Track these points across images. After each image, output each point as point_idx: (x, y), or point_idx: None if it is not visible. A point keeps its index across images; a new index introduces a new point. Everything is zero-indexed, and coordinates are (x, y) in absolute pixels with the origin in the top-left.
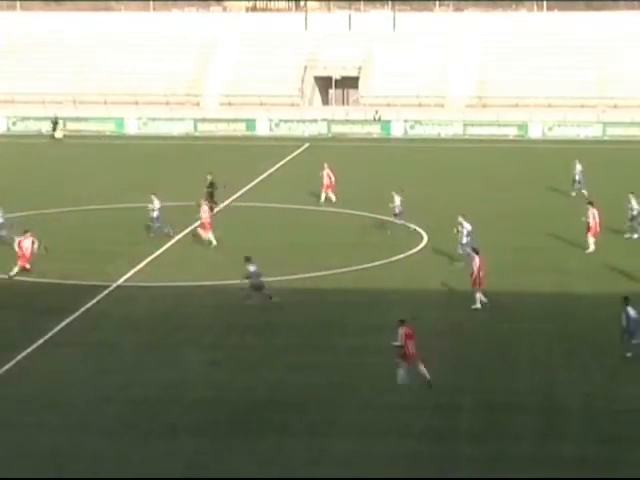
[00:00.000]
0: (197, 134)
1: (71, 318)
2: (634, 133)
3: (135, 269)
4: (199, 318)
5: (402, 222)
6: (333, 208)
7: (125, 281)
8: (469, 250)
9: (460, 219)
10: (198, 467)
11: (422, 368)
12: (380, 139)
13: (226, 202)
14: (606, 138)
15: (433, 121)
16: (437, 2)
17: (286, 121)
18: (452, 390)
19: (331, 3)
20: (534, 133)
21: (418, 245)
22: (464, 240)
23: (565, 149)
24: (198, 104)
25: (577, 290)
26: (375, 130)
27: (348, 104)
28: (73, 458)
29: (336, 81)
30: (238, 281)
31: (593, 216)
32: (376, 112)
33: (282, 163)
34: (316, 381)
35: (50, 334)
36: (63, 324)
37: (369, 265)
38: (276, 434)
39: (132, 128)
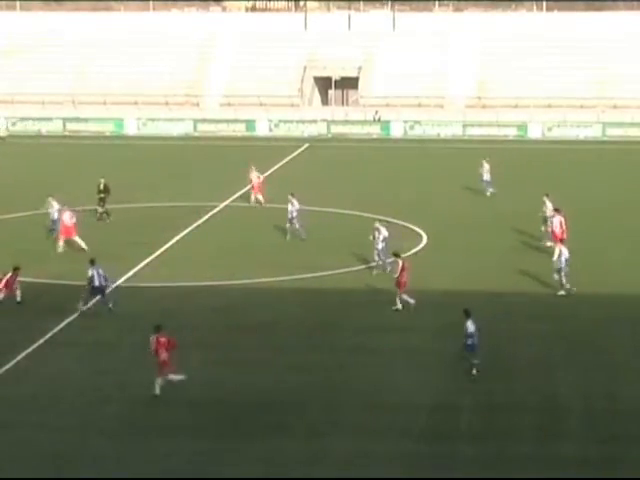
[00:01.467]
0: (197, 134)
1: (71, 318)
2: (634, 133)
3: (135, 269)
4: (199, 318)
5: (298, 227)
6: (333, 209)
7: (125, 281)
8: (383, 257)
9: (377, 225)
10: (198, 467)
11: (172, 377)
12: (380, 139)
13: (226, 202)
14: (606, 138)
15: (433, 121)
16: (437, 2)
17: (286, 121)
18: (452, 390)
19: (330, 3)
20: (534, 133)
21: (418, 245)
22: (379, 246)
23: (565, 149)
24: (198, 104)
25: (576, 290)
26: (375, 130)
27: (348, 104)
28: (73, 458)
29: (336, 81)
30: (238, 281)
31: (560, 223)
32: (376, 112)
33: (282, 163)
34: (316, 381)
35: (50, 334)
36: (63, 324)
37: (369, 265)
38: (276, 434)
39: (132, 128)
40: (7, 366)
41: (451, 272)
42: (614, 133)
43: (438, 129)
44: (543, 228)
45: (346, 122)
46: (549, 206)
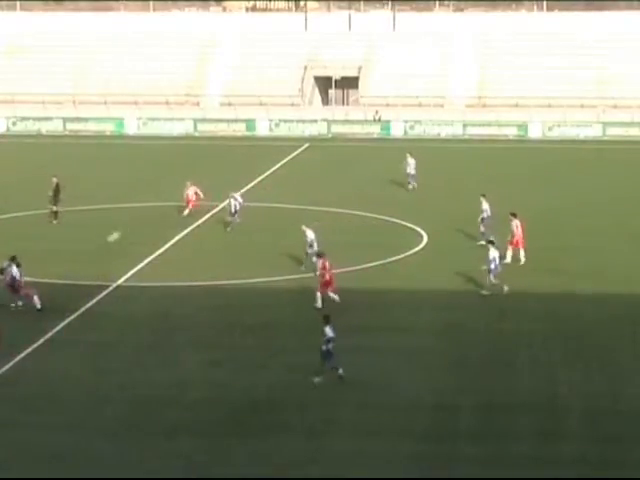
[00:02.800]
0: (197, 134)
1: (71, 318)
2: (634, 133)
3: (135, 269)
4: (199, 318)
5: (238, 220)
6: (333, 208)
7: (125, 281)
8: (311, 259)
9: (303, 228)
10: (198, 467)
11: None
12: (380, 139)
13: (226, 202)
14: (606, 138)
15: (433, 121)
16: (437, 2)
17: (286, 121)
18: (452, 390)
19: (331, 3)
20: (534, 133)
21: (418, 245)
22: (314, 247)
23: (565, 149)
24: (198, 104)
25: (577, 290)
26: (375, 130)
27: (348, 104)
28: (73, 458)
29: (336, 81)
30: (237, 281)
31: (516, 227)
32: (376, 112)
33: (282, 163)
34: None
35: (50, 334)
36: (63, 324)
37: (369, 265)
38: (276, 434)
39: (132, 128)
40: (7, 366)
41: (451, 272)
42: (614, 133)
43: (438, 129)
44: (482, 228)
45: (346, 122)
46: (485, 206)
